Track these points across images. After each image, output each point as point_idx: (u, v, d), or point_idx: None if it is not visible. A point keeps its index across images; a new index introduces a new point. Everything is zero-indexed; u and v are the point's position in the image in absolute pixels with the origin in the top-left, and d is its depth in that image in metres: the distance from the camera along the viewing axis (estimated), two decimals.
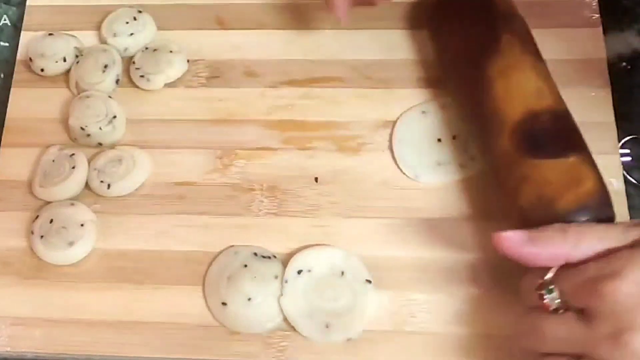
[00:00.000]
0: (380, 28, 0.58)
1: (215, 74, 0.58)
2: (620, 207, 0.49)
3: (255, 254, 0.50)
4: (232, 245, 0.51)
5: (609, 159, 0.50)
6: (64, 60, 0.58)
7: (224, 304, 0.49)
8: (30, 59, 0.58)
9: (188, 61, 0.58)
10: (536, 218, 0.43)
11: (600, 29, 0.56)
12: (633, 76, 0.55)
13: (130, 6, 0.60)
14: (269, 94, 0.57)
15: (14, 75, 0.59)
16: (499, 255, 0.42)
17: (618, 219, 0.45)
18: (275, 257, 0.50)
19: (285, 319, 0.48)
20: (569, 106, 0.48)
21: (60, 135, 0.56)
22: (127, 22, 0.59)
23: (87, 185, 0.54)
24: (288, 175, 0.53)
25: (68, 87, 0.58)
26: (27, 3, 0.62)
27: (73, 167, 0.53)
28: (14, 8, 0.64)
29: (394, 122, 0.54)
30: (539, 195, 0.44)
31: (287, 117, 0.56)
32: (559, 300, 0.41)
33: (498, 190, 0.48)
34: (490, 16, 0.51)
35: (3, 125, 0.57)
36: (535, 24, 0.51)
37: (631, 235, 0.40)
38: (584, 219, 0.43)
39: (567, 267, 0.41)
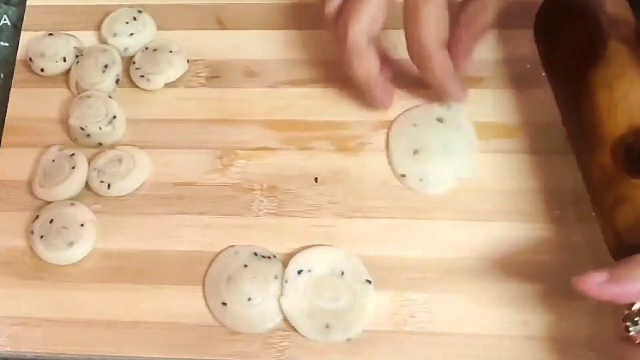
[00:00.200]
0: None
1: (215, 74, 0.58)
2: None
3: (256, 254, 0.50)
4: (232, 245, 0.51)
5: None
6: (64, 60, 0.58)
7: (224, 304, 0.49)
8: (30, 59, 0.58)
9: (188, 61, 0.58)
10: (632, 242, 0.41)
11: None
12: None
13: (130, 6, 0.60)
14: (269, 94, 0.57)
15: (14, 75, 0.59)
16: (498, 256, 0.42)
17: None
18: (275, 257, 0.50)
19: (285, 319, 0.48)
20: None
21: (60, 135, 0.56)
22: (127, 22, 0.59)
23: (87, 185, 0.54)
24: (288, 175, 0.53)
25: (68, 87, 0.58)
26: (27, 3, 0.62)
27: (73, 167, 0.53)
28: (14, 8, 0.64)
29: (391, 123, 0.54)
30: (638, 217, 0.41)
31: (287, 117, 0.56)
32: None
33: (592, 209, 0.45)
34: (596, 19, 0.46)
35: (3, 125, 0.57)
36: None
37: None
38: None
39: None
